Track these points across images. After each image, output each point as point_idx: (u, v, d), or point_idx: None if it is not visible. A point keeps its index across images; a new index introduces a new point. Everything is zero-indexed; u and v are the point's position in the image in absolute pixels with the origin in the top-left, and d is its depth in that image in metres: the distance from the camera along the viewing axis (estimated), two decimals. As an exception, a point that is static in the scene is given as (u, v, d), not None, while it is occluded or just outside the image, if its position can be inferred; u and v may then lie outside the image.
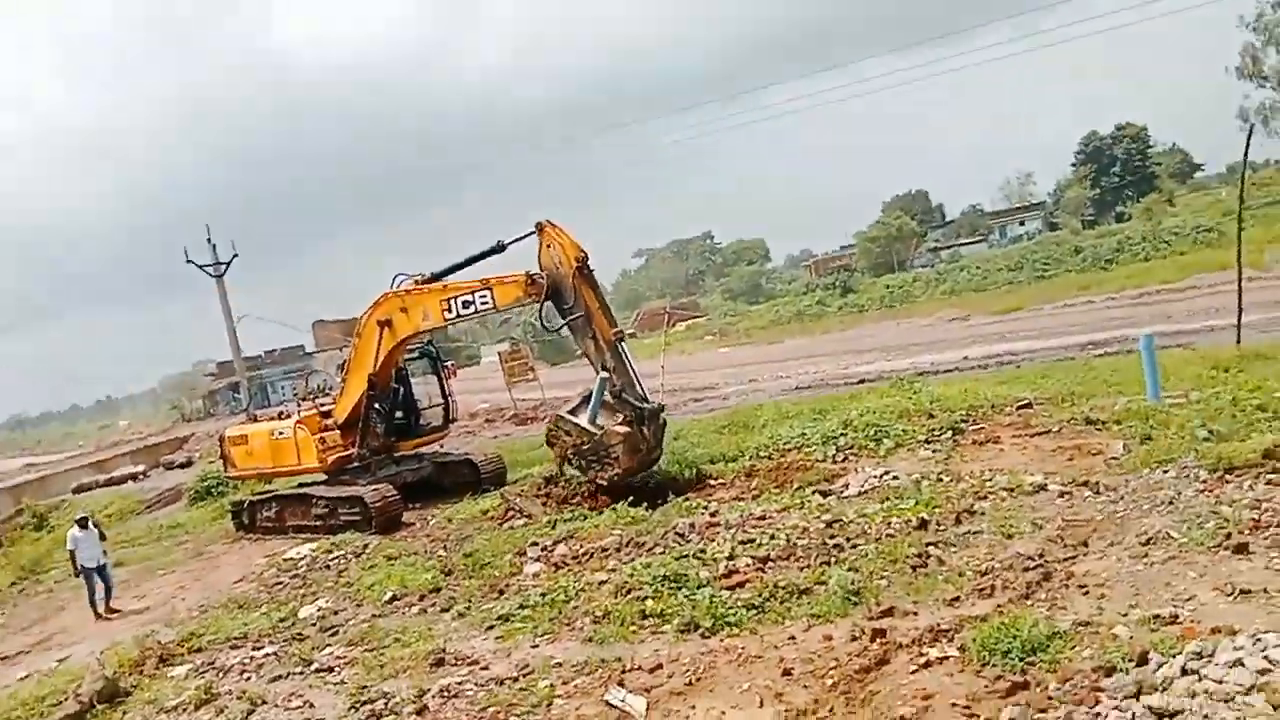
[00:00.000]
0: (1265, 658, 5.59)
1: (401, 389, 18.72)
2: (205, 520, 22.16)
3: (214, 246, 32.70)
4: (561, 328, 15.46)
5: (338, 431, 18.18)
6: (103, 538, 15.71)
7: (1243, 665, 5.57)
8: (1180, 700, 5.38)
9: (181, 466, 39.38)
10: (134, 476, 38.02)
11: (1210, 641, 6.03)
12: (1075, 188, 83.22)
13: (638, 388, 14.77)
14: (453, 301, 16.10)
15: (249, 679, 9.73)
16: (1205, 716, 5.12)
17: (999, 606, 7.67)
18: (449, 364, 20.83)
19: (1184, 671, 5.72)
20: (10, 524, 30.72)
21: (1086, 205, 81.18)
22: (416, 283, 16.69)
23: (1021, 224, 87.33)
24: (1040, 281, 49.99)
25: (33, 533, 28.79)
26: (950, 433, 14.41)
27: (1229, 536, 7.89)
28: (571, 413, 15.49)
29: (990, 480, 11.42)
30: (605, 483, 14.88)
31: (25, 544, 26.83)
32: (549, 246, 15.00)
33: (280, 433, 18.83)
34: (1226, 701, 5.27)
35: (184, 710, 9.11)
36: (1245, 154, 18.58)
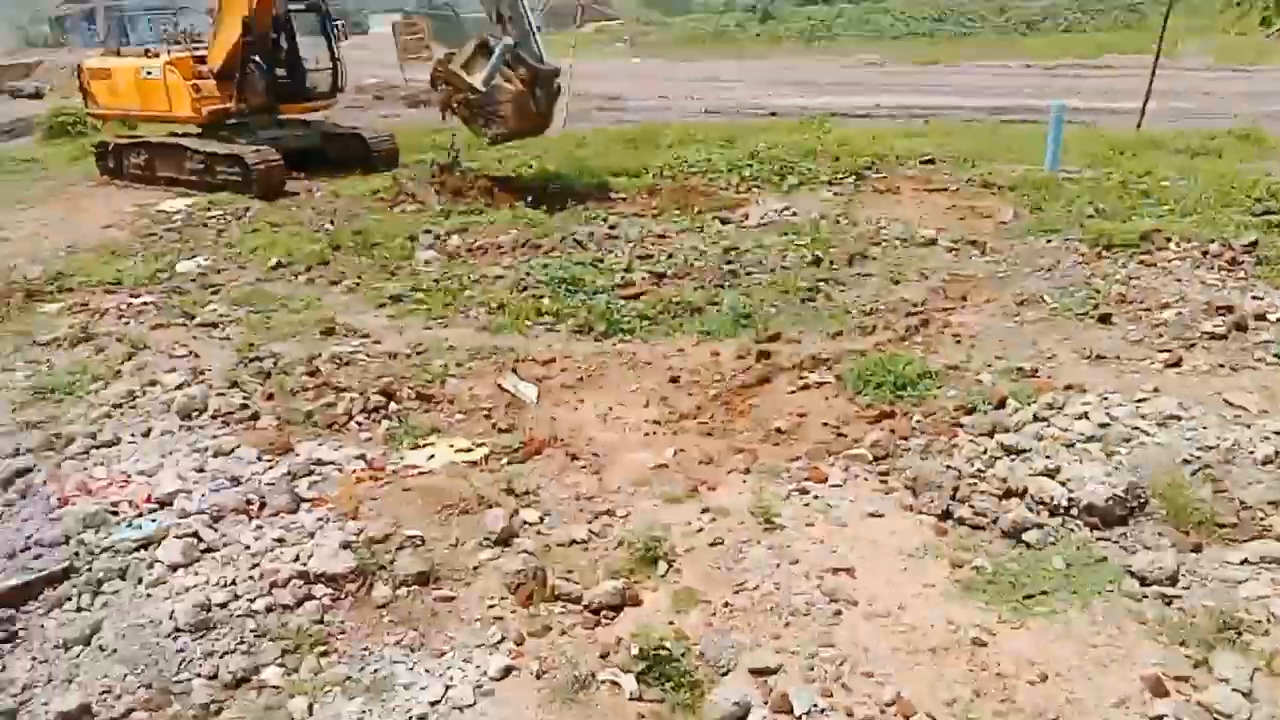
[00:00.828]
0: (1107, 414, 6.23)
1: (284, 43, 17.07)
2: (63, 159, 20.55)
3: None
4: None
5: (213, 81, 16.75)
6: None
7: (1087, 418, 6.21)
8: (1029, 441, 5.99)
9: (30, 96, 35.92)
10: (-26, 101, 34.56)
11: (1063, 396, 6.66)
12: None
13: (534, 44, 13.73)
14: None
15: (127, 324, 9.50)
16: (1048, 457, 5.73)
17: (878, 344, 8.18)
18: (339, 24, 18.99)
19: (1035, 418, 6.33)
20: None
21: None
22: None
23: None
24: (963, 38, 49.14)
25: None
26: (854, 178, 14.57)
27: (1096, 307, 8.51)
28: (464, 66, 14.35)
29: (886, 228, 11.76)
30: (489, 139, 14.62)
31: None
32: None
33: (148, 72, 17.19)
34: (1069, 447, 5.91)
35: (59, 345, 8.89)
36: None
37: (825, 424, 6.87)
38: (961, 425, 6.52)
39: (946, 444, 6.30)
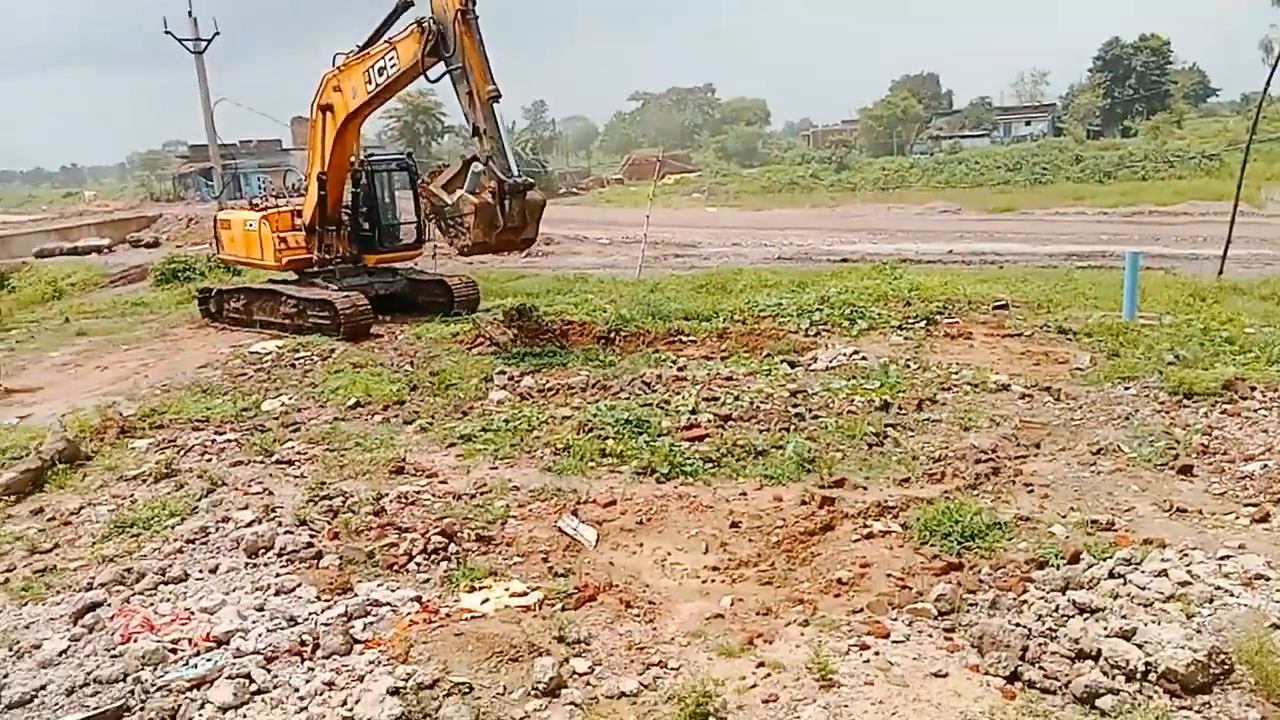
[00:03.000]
0: (1188, 572, 5.90)
1: (366, 197, 18.04)
2: (170, 302, 21.98)
3: (195, 21, 30.94)
4: (440, 78, 14.70)
5: (302, 233, 17.91)
6: None
7: (1166, 576, 5.88)
8: (1104, 600, 5.68)
9: (148, 245, 38.76)
10: (99, 249, 37.44)
11: (1140, 551, 6.34)
12: (1087, 94, 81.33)
13: (507, 158, 13.82)
14: (371, 71, 15.44)
15: (209, 460, 9.89)
16: (1124, 617, 5.41)
17: (946, 492, 7.96)
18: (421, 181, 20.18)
19: (1111, 574, 6.02)
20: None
21: (1095, 114, 79.60)
22: (348, 58, 16.06)
23: (1028, 124, 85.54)
24: (1036, 185, 49.57)
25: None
26: (924, 322, 14.57)
27: (1176, 457, 8.18)
28: (446, 184, 14.85)
29: (957, 373, 11.64)
30: (458, 251, 14.77)
31: (-15, 300, 26.51)
32: None
33: (250, 224, 18.60)
34: (1146, 606, 5.58)
35: (144, 480, 9.26)
36: (1265, 87, 18.23)
37: (889, 575, 6.64)
38: (1032, 580, 6.23)
39: (1016, 600, 6.01)
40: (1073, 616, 5.58)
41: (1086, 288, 16.67)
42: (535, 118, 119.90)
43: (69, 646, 6.06)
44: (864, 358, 12.71)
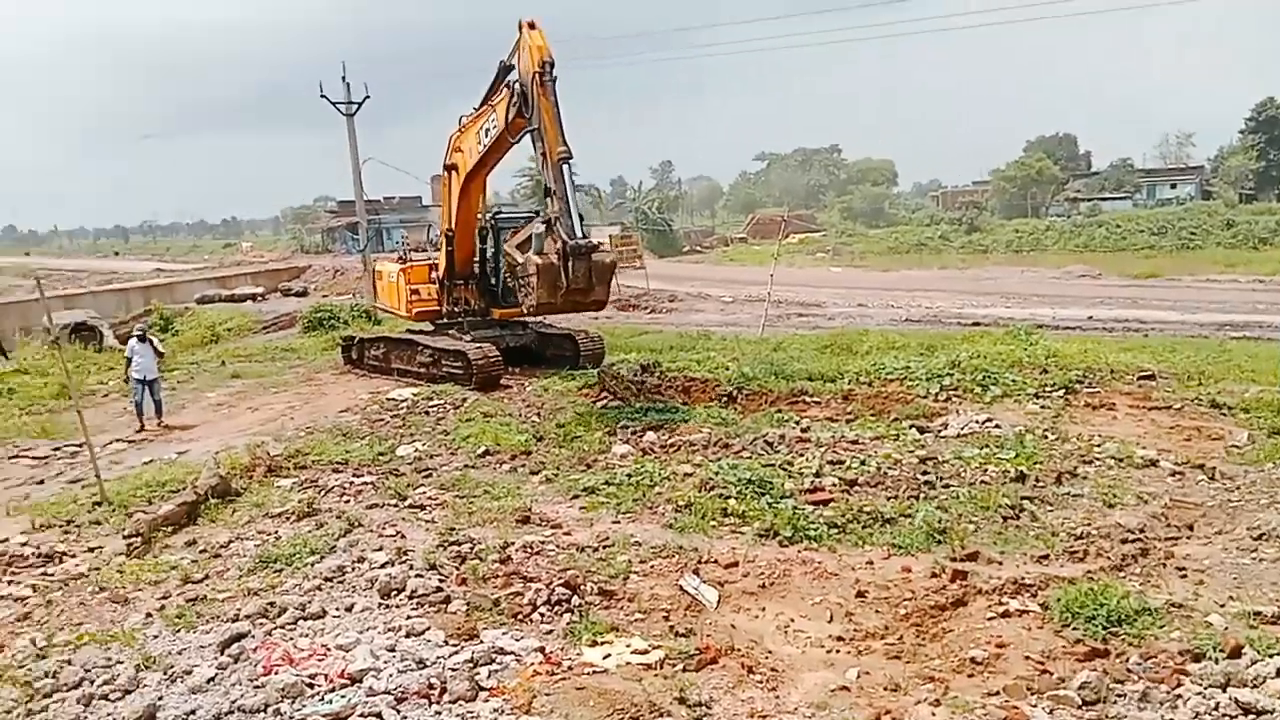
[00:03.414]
0: (1369, 675, 5.39)
1: (494, 253, 18.58)
2: (316, 349, 23.23)
3: (348, 85, 32.95)
4: (521, 138, 14.81)
5: (434, 286, 18.72)
6: (159, 354, 16.10)
7: (1343, 678, 5.39)
8: (1271, 701, 5.26)
9: (298, 295, 41.17)
10: (253, 297, 39.93)
11: (1312, 648, 5.84)
12: (1239, 156, 76.95)
13: (572, 220, 13.75)
14: (480, 132, 15.93)
15: (347, 502, 10.34)
16: (1294, 720, 4.99)
17: (1089, 573, 7.55)
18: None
19: (1278, 673, 5.57)
20: (141, 322, 32.70)
21: (1248, 177, 75.25)
22: (467, 119, 16.73)
23: (1173, 187, 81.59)
24: (1184, 251, 47.17)
25: (159, 333, 30.62)
26: (1063, 391, 13.97)
27: (1351, 547, 7.54)
28: (520, 244, 15.13)
29: (1099, 446, 11.09)
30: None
31: (151, 342, 28.59)
32: (523, 50, 14.16)
33: (392, 276, 19.68)
34: (1320, 710, 5.13)
35: (287, 518, 9.76)
36: None
37: (1027, 657, 6.32)
38: (1187, 673, 5.81)
39: (1169, 694, 5.62)
40: (1236, 717, 5.17)
41: (1242, 359, 15.67)
42: (662, 177, 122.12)
43: (216, 675, 6.38)
44: (998, 426, 12.26)
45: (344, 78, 32.91)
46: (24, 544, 9.56)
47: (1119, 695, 5.67)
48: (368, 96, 33.20)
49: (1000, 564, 7.92)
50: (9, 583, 8.65)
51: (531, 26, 14.30)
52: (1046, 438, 11.65)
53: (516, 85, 14.43)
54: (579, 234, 13.78)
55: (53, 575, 8.76)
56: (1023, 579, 7.48)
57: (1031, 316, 23.09)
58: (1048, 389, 14.10)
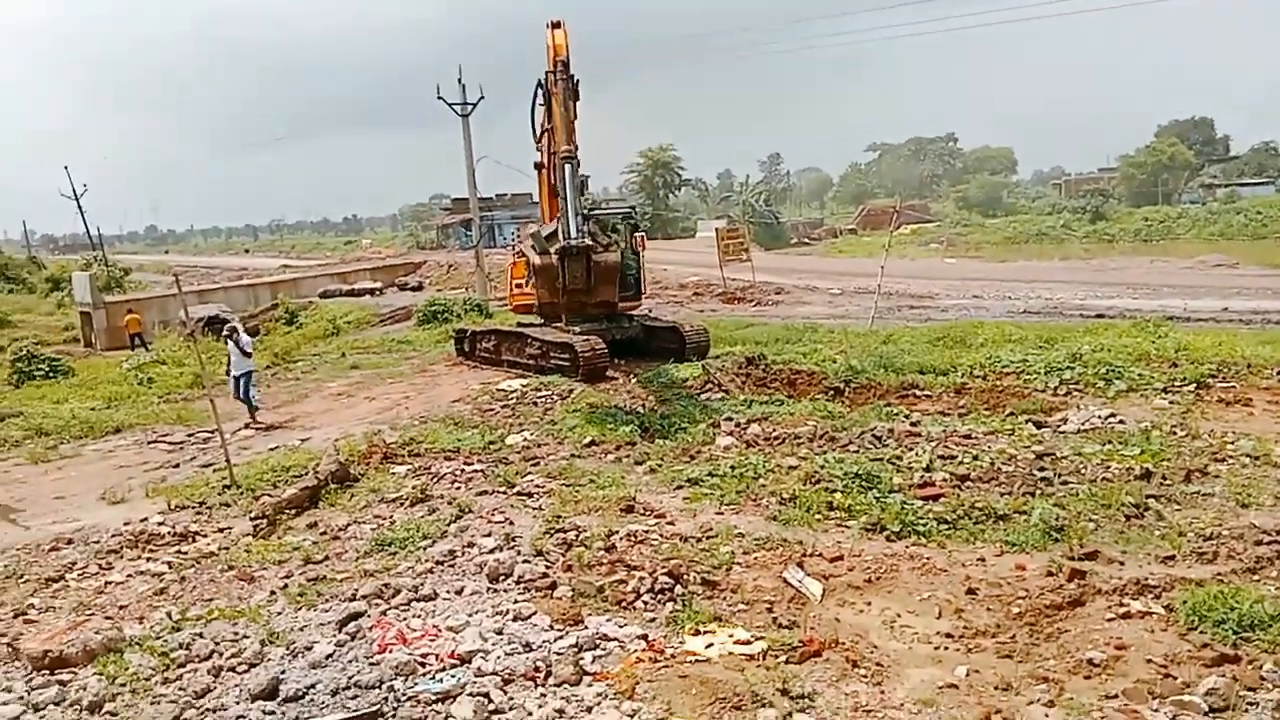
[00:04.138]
0: None
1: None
2: (430, 341, 23.98)
3: (464, 87, 33.84)
4: (542, 137, 14.88)
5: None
6: (245, 354, 16.05)
7: None
8: None
9: (413, 289, 42.61)
10: (371, 291, 41.51)
11: None
12: (1398, 138, 71.34)
13: (568, 219, 13.69)
14: (545, 134, 16.00)
15: (458, 488, 10.65)
16: None
17: (1220, 575, 7.15)
18: (639, 235, 20.72)
19: None
20: (268, 315, 34.50)
21: None
22: None
23: (1321, 171, 76.20)
24: (1333, 238, 44.01)
25: (284, 326, 32.21)
26: (1194, 385, 13.24)
27: None
28: (534, 243, 15.15)
29: (1233, 443, 10.46)
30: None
31: (278, 335, 30.14)
32: (547, 47, 14.32)
33: (504, 270, 20.21)
34: None
35: (401, 504, 10.12)
36: None
37: (1149, 660, 6.03)
38: (1328, 683, 5.45)
39: (1308, 705, 5.28)
40: (1381, 730, 4.83)
41: (1399, 353, 14.50)
42: (770, 169, 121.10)
43: (334, 651, 6.68)
44: (1121, 421, 11.71)
45: (460, 79, 33.84)
46: (161, 523, 10.21)
47: (1250, 703, 5.36)
48: (482, 97, 34.05)
49: (1122, 564, 7.57)
50: (147, 559, 9.25)
51: (556, 26, 14.58)
52: (1175, 434, 11.07)
53: (540, 83, 14.65)
54: (574, 234, 13.81)
55: (186, 553, 9.33)
56: (1146, 580, 7.14)
57: (1161, 308, 21.92)
58: (1177, 383, 13.39)
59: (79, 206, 65.83)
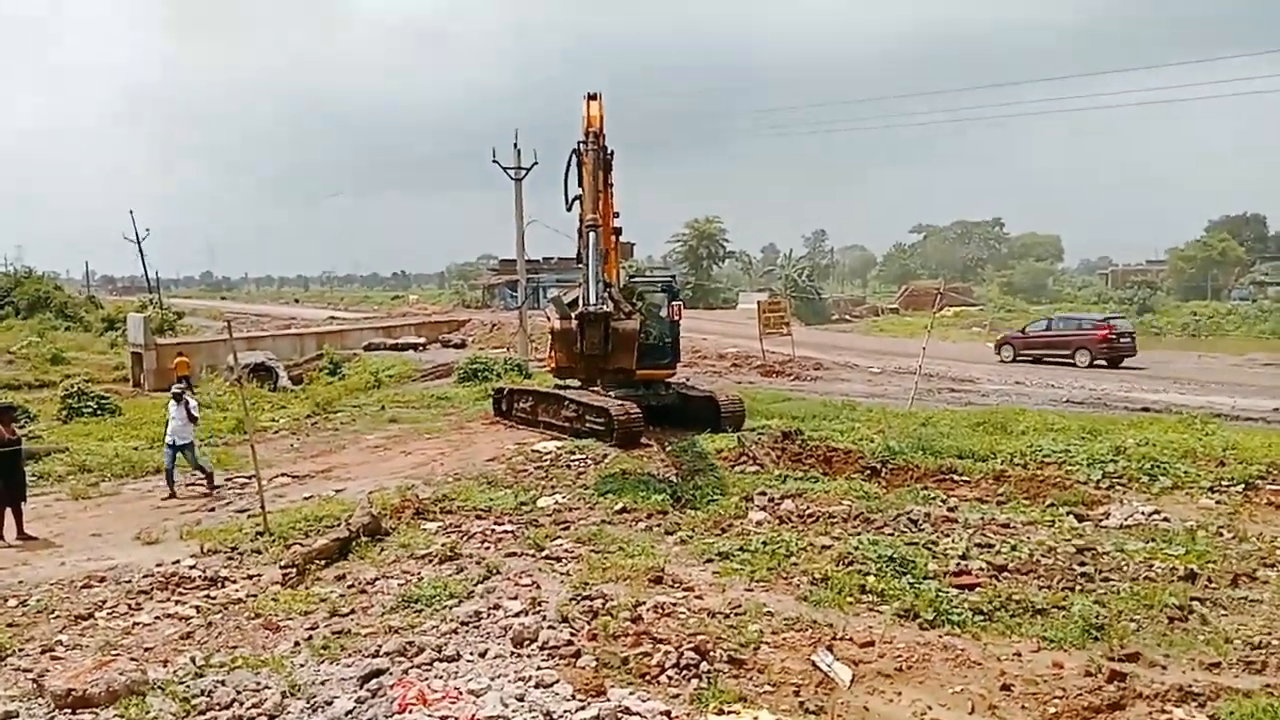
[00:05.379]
0: None
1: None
2: (469, 399, 24.16)
3: (519, 152, 34.61)
4: (573, 204, 15.18)
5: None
6: (192, 419, 14.56)
7: None
8: None
9: (456, 346, 43.07)
10: (415, 346, 42.02)
11: None
12: None
13: (589, 286, 13.74)
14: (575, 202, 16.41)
15: (488, 549, 10.63)
16: None
17: (1269, 686, 6.88)
18: (676, 304, 20.82)
19: None
20: (312, 364, 35.03)
21: None
22: None
23: (1376, 273, 74.85)
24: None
25: (328, 376, 32.66)
26: (1242, 486, 12.91)
27: None
28: (559, 309, 15.20)
29: (1284, 548, 10.15)
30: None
31: (320, 384, 30.56)
32: (582, 118, 14.73)
33: (546, 332, 20.36)
34: None
35: (431, 561, 10.12)
36: None
37: (1192, 774, 5.79)
38: (1384, 810, 5.18)
39: (1361, 831, 5.01)
40: None
41: None
42: (814, 245, 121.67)
43: (354, 708, 6.63)
44: (1166, 519, 11.43)
45: (515, 144, 34.59)
46: (192, 566, 10.31)
47: (1299, 827, 5.10)
48: (536, 163, 34.69)
49: (1164, 668, 7.32)
50: (176, 602, 9.32)
51: (593, 98, 15.12)
52: (1222, 535, 10.77)
53: (572, 152, 15.27)
54: (594, 300, 13.97)
55: (214, 598, 9.38)
56: (1189, 686, 6.89)
57: (1208, 405, 21.48)
58: (1224, 483, 13.06)
59: (140, 250, 68.06)
